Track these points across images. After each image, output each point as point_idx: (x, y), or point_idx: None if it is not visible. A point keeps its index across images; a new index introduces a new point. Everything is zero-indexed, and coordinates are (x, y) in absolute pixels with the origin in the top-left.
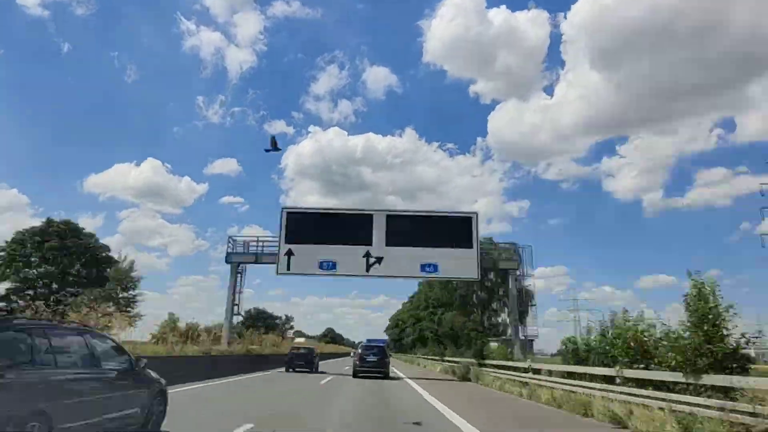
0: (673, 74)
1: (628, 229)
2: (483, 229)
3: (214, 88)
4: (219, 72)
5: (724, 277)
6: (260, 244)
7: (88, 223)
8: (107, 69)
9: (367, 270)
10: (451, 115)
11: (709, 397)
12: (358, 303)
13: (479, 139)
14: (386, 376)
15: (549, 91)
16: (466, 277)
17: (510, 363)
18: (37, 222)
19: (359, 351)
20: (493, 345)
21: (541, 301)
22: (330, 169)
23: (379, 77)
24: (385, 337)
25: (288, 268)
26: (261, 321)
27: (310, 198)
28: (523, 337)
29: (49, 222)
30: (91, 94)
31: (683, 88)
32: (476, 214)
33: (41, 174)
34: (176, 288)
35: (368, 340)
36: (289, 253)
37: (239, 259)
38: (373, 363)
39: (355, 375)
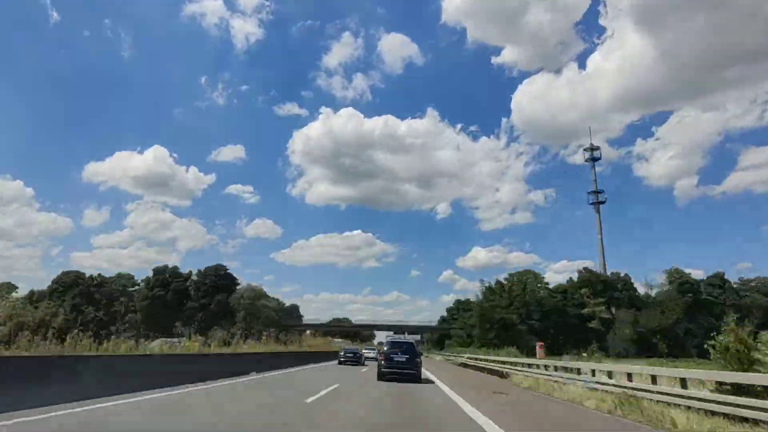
0: (728, 35)
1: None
2: (506, 220)
3: (218, 64)
4: (223, 44)
5: None
6: None
7: (93, 216)
8: (100, 41)
9: None
10: (475, 92)
11: None
12: (370, 300)
13: (503, 119)
14: (417, 379)
15: (582, 62)
16: None
17: None
18: (43, 216)
19: (384, 348)
20: None
21: None
22: (341, 153)
23: (395, 46)
24: None
25: None
26: None
27: (320, 187)
28: None
29: None
30: (83, 71)
31: (738, 52)
32: None
33: (40, 163)
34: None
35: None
36: None
37: None
38: (401, 363)
39: (380, 377)
